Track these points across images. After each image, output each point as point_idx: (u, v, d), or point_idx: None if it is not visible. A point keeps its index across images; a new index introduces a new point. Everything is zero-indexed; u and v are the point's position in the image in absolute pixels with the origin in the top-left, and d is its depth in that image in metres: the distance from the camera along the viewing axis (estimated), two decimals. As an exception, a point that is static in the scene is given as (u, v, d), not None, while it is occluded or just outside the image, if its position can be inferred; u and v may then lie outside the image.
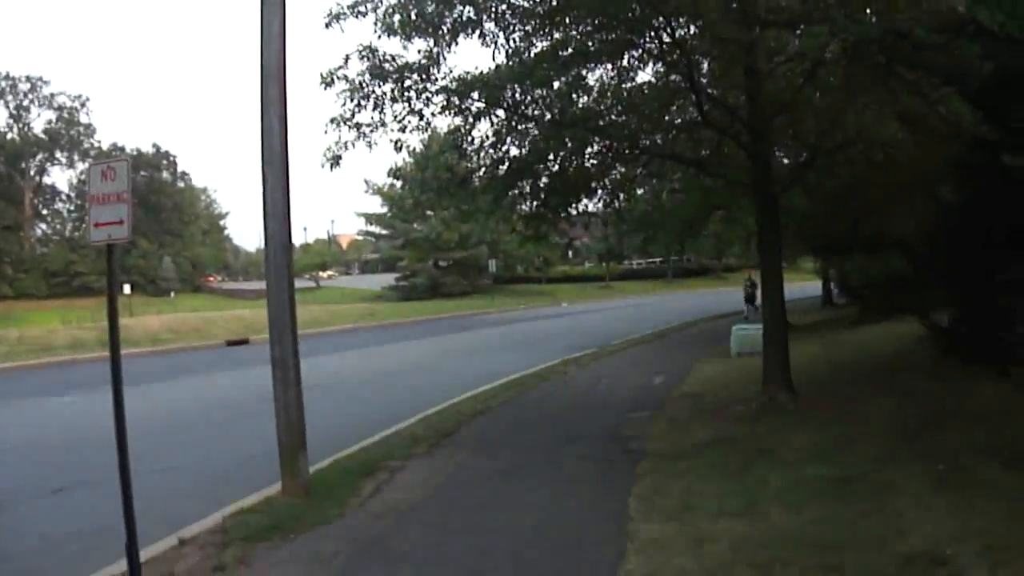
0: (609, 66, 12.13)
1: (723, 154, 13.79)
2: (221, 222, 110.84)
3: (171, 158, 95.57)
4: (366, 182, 75.98)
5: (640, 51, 11.52)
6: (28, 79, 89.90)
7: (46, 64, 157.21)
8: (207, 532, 7.24)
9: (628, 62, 12.09)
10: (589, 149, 12.99)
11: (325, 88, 10.76)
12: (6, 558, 6.99)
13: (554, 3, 10.44)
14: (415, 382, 18.17)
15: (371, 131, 11.05)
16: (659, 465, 8.94)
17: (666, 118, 13.43)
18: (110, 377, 5.84)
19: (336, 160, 11.07)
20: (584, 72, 11.68)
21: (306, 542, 6.96)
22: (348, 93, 10.79)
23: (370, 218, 73.09)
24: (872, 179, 14.66)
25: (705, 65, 12.60)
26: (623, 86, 12.74)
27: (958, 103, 8.97)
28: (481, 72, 11.25)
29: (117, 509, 5.83)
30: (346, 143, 11.01)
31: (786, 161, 15.81)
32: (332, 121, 10.91)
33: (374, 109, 10.97)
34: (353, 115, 10.91)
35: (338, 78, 10.73)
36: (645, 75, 13.01)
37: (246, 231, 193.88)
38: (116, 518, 5.93)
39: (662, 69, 12.48)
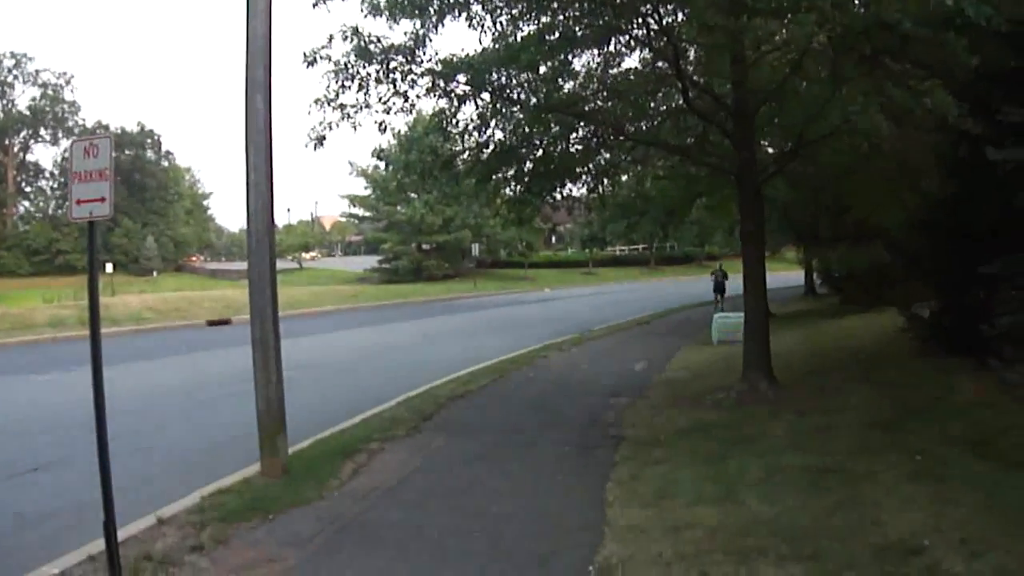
0: (595, 52, 12.08)
1: (708, 142, 13.77)
2: (204, 202, 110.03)
3: (155, 137, 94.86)
4: (350, 164, 76.05)
5: (627, 37, 11.47)
6: (12, 55, 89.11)
7: (31, 40, 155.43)
8: (186, 512, 7.19)
9: (615, 48, 12.06)
10: (574, 134, 12.96)
11: (308, 67, 10.64)
12: (-19, 536, 6.94)
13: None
14: (395, 365, 18.13)
15: (355, 112, 10.98)
16: (638, 451, 8.96)
17: (651, 105, 13.41)
18: (90, 356, 5.79)
19: (320, 140, 10.99)
20: (570, 57, 11.62)
21: (285, 522, 6.93)
22: (332, 74, 10.70)
23: (354, 200, 72.32)
24: (857, 170, 14.70)
25: (691, 52, 12.58)
26: (609, 72, 12.71)
27: (943, 96, 8.96)
28: (467, 55, 11.17)
29: (94, 489, 5.76)
30: (330, 124, 10.93)
31: (771, 150, 15.83)
32: (316, 102, 10.82)
33: (359, 90, 10.89)
34: (337, 96, 10.82)
35: (321, 58, 10.63)
36: (632, 61, 13.00)
37: (230, 211, 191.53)
38: (94, 498, 5.87)
39: (648, 56, 12.46)
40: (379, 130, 11.42)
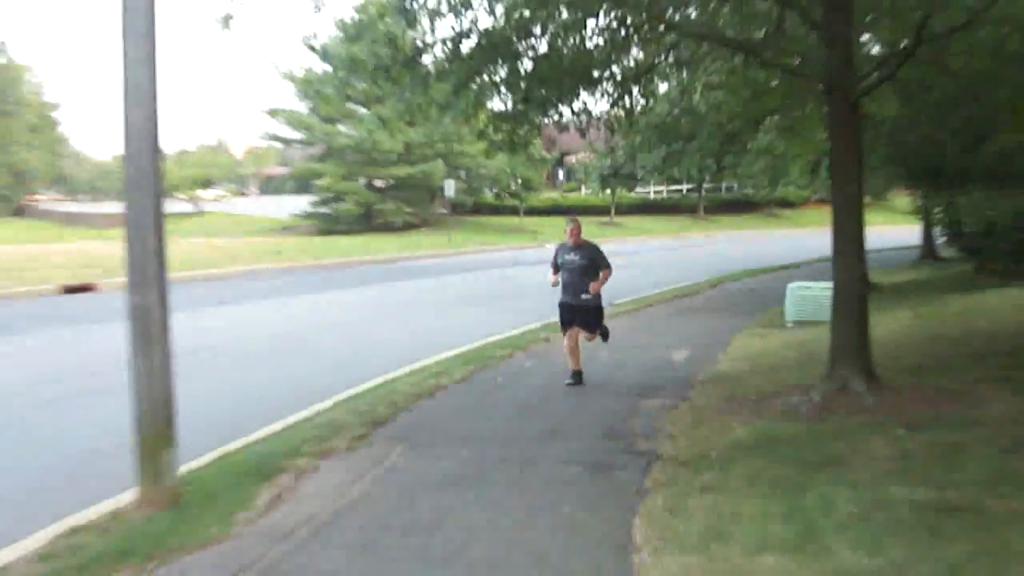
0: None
1: (784, 35, 13.57)
2: (52, 113, 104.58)
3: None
4: (275, 67, 74.54)
5: None
6: None
7: None
8: (26, 560, 7.10)
9: None
10: (593, 22, 12.80)
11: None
12: None
13: None
14: (335, 349, 18.23)
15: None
16: (678, 474, 8.86)
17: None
18: None
19: (226, 21, 10.87)
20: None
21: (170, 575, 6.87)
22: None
23: (278, 116, 70.57)
24: (1003, 78, 14.47)
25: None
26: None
27: None
28: None
29: None
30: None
31: (876, 49, 15.65)
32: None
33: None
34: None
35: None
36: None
37: (85, 135, 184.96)
38: None
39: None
40: (315, 7, 11.28)
